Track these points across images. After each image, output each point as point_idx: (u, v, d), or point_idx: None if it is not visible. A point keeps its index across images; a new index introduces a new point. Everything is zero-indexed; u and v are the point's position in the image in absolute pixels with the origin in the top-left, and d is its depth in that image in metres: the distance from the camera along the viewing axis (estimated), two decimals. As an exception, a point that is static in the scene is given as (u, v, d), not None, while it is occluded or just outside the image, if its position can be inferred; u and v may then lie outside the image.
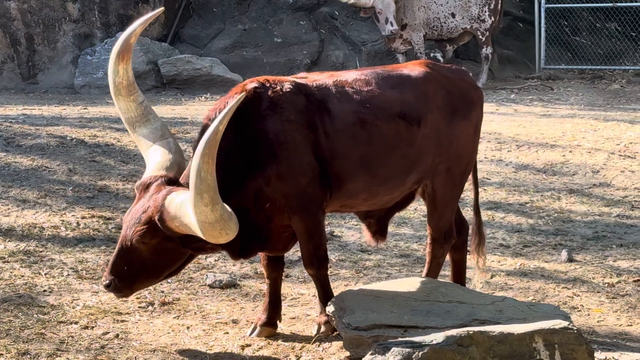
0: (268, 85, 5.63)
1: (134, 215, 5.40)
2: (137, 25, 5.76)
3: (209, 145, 4.93)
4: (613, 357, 5.32)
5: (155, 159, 5.63)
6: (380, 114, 5.81)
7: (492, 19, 16.43)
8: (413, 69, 6.17)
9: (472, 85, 6.36)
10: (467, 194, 9.31)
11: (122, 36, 5.74)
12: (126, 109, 5.74)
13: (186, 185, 5.33)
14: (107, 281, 5.43)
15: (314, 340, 5.71)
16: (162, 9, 6.38)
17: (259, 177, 5.49)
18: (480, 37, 16.32)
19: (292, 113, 5.57)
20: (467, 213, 8.72)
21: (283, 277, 6.40)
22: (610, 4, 18.04)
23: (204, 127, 5.47)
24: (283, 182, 5.51)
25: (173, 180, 5.50)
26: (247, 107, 5.48)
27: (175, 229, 5.28)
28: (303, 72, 6.13)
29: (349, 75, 5.97)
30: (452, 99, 6.10)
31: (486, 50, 16.38)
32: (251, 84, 5.64)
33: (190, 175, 4.99)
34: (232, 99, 5.36)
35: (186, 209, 5.13)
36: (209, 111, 5.61)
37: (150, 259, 5.42)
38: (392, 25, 15.73)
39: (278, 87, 5.63)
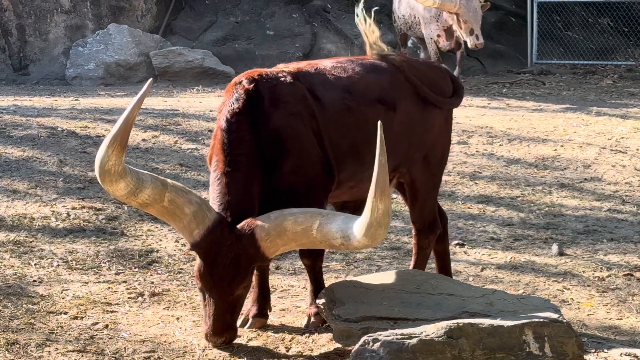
0: (264, 80, 5.59)
1: (226, 272, 5.25)
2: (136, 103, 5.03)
3: (382, 146, 4.85)
4: (603, 350, 5.32)
5: (189, 210, 5.24)
6: (363, 99, 5.84)
7: None
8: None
9: (443, 77, 6.41)
10: (458, 187, 9.34)
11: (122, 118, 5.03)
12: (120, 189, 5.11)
13: (235, 217, 5.29)
14: (222, 339, 5.38)
15: (303, 331, 5.71)
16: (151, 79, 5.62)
17: (277, 173, 5.46)
18: None
19: (294, 105, 5.56)
20: (458, 207, 8.77)
21: (273, 269, 6.36)
22: (603, -1, 18.09)
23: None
24: (295, 175, 5.49)
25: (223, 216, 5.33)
26: (250, 106, 5.46)
27: (276, 251, 5.28)
28: (281, 64, 6.06)
29: (327, 63, 5.99)
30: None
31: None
32: (246, 80, 5.57)
33: (374, 177, 4.86)
34: (233, 98, 5.41)
35: (323, 221, 5.10)
36: (219, 112, 5.57)
37: (246, 293, 5.47)
38: (477, 38, 13.74)
39: (274, 81, 5.60)
